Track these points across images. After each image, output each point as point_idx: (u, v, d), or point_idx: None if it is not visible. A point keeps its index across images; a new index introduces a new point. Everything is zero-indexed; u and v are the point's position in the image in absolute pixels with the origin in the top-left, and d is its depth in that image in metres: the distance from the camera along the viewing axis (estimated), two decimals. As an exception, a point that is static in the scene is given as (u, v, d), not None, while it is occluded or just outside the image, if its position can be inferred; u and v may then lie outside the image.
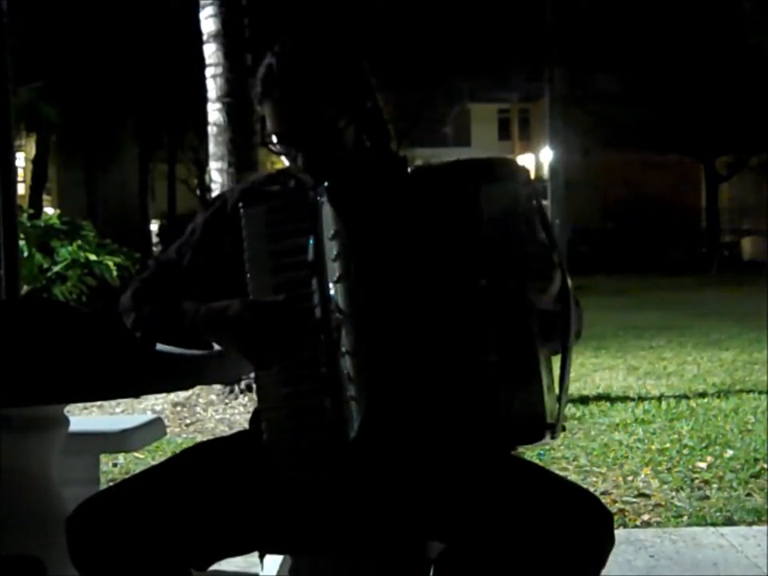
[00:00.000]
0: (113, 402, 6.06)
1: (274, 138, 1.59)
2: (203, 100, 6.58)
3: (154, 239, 28.61)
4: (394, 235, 1.42)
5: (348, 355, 1.41)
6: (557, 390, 1.45)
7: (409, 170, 1.51)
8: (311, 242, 1.44)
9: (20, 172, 24.92)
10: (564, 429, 1.47)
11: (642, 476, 4.13)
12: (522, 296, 1.39)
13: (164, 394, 6.17)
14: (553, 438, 1.43)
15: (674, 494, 3.84)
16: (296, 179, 1.63)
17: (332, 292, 1.42)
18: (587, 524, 1.40)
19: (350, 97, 1.58)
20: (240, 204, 1.50)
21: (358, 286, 1.41)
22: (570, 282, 1.47)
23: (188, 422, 5.72)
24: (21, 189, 23.46)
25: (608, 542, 1.43)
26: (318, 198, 1.44)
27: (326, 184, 1.43)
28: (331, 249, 1.41)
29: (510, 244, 1.39)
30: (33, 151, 25.26)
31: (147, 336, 1.67)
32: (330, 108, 1.55)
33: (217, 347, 1.64)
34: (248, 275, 1.48)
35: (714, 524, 3.42)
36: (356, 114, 1.58)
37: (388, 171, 1.61)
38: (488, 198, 1.40)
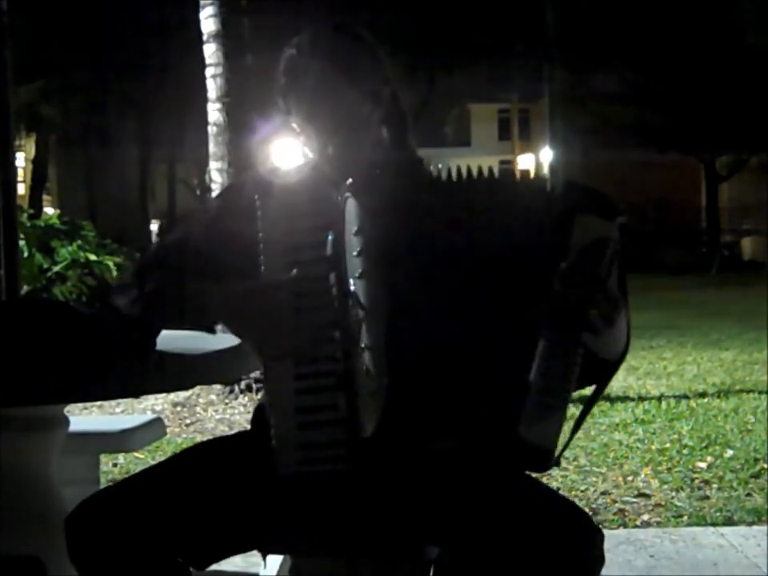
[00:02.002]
0: (113, 402, 6.05)
1: (297, 128, 1.60)
2: (203, 100, 6.58)
3: (154, 239, 28.62)
4: (424, 234, 1.40)
5: (368, 350, 1.39)
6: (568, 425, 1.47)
7: (491, 174, 1.47)
8: (329, 237, 1.42)
9: (20, 172, 24.92)
10: (559, 464, 1.49)
11: (642, 476, 4.13)
12: (580, 335, 1.39)
13: (164, 394, 6.17)
14: (549, 469, 1.47)
15: (674, 493, 3.84)
16: (315, 173, 1.63)
17: (353, 287, 1.40)
18: (575, 541, 1.39)
19: (369, 87, 1.58)
20: (257, 196, 1.48)
21: (380, 283, 1.39)
22: (629, 337, 1.50)
23: (188, 422, 5.72)
24: (21, 189, 23.45)
25: (594, 560, 1.42)
26: (344, 195, 1.41)
27: (349, 181, 1.41)
28: (354, 245, 1.39)
29: (589, 280, 1.38)
30: (33, 151, 25.28)
31: (148, 315, 1.62)
32: (350, 99, 1.56)
33: (217, 347, 1.63)
34: (263, 267, 1.46)
35: (714, 524, 3.42)
36: (377, 100, 1.59)
37: (411, 171, 1.61)
38: (583, 227, 1.38)
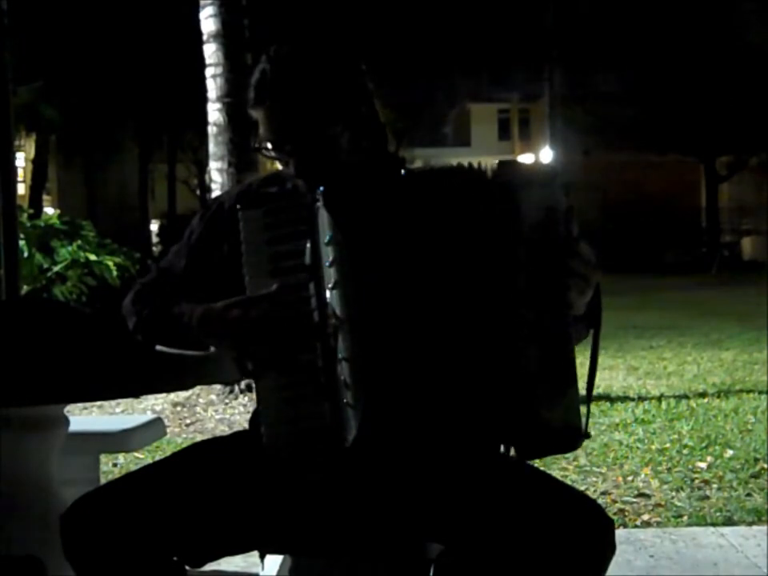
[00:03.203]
0: (113, 402, 6.06)
1: (267, 144, 1.58)
2: (203, 100, 6.59)
3: (154, 239, 28.61)
4: (394, 241, 1.40)
5: (344, 361, 1.39)
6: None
7: (420, 169, 1.46)
8: (308, 245, 1.43)
9: (20, 172, 24.91)
10: (589, 436, 1.46)
11: (642, 476, 4.13)
12: (563, 300, 1.37)
13: (164, 394, 6.17)
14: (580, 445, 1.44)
15: (674, 493, 3.84)
16: (293, 181, 1.63)
17: (328, 297, 1.40)
18: (587, 530, 1.39)
19: (344, 103, 1.56)
20: (238, 206, 1.49)
21: (354, 293, 1.39)
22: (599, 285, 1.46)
23: (188, 421, 5.72)
24: (21, 189, 23.46)
25: (608, 550, 1.41)
26: (316, 203, 1.42)
27: (321, 189, 1.41)
28: (327, 254, 1.40)
29: (553, 247, 1.37)
30: (33, 151, 25.28)
31: (148, 339, 1.67)
32: (324, 115, 1.53)
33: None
34: (246, 278, 1.47)
35: (714, 524, 3.42)
36: (351, 119, 1.57)
37: (385, 175, 1.59)
38: (529, 200, 1.37)
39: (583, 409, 1.43)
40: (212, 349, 1.58)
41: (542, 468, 1.56)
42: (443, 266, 1.39)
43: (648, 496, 3.82)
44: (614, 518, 3.51)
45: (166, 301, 1.63)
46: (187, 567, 1.53)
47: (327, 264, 1.39)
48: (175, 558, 1.50)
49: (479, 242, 1.38)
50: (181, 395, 6.20)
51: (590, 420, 4.54)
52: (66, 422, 2.18)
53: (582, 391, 1.44)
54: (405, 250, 1.40)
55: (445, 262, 1.39)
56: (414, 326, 1.39)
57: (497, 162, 1.43)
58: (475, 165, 1.44)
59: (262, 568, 2.01)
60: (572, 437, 1.41)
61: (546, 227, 1.37)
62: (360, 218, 1.40)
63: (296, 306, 1.44)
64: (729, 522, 3.45)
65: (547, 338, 1.37)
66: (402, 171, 1.56)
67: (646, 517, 3.55)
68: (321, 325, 1.42)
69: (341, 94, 1.56)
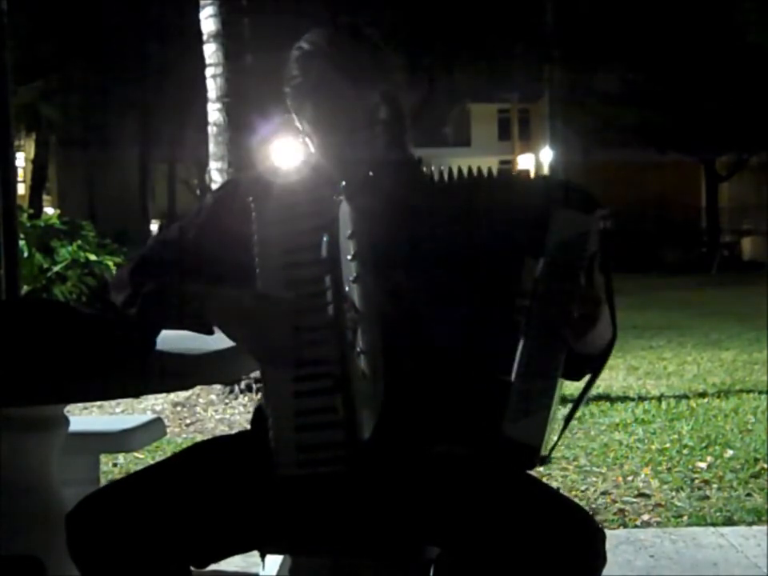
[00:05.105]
0: (113, 402, 6.06)
1: (299, 125, 1.59)
2: (203, 100, 6.58)
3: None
4: (415, 237, 1.40)
5: (363, 355, 1.39)
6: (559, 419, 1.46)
7: (457, 172, 1.47)
8: (325, 238, 1.42)
9: (20, 172, 24.91)
10: (548, 461, 1.48)
11: (642, 476, 4.13)
12: (559, 331, 1.38)
13: (164, 394, 6.17)
14: (541, 466, 1.45)
15: (674, 493, 3.85)
16: (312, 173, 1.62)
17: (348, 291, 1.40)
18: (576, 540, 1.39)
19: (378, 83, 1.58)
20: (250, 198, 1.47)
21: (375, 286, 1.39)
22: (616, 330, 1.47)
23: (188, 422, 5.72)
24: (21, 189, 23.46)
25: (598, 560, 1.41)
26: (335, 197, 1.41)
27: (343, 183, 1.41)
28: (348, 248, 1.39)
29: (569, 276, 1.37)
30: (33, 151, 25.29)
31: (144, 315, 1.61)
32: (364, 93, 1.55)
33: (217, 347, 1.63)
34: (257, 269, 1.45)
35: (714, 524, 3.42)
36: (384, 101, 1.58)
37: (404, 172, 1.59)
38: (560, 222, 1.38)
39: (554, 435, 1.45)
40: (216, 330, 1.56)
41: (540, 469, 1.56)
42: (461, 266, 1.39)
43: (648, 496, 3.82)
44: (614, 518, 3.52)
45: (169, 277, 1.58)
46: (192, 568, 1.53)
47: (349, 258, 1.39)
48: (180, 559, 1.50)
49: (506, 252, 1.39)
50: (181, 395, 6.20)
51: (591, 420, 4.54)
52: (66, 421, 2.18)
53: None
54: (425, 247, 1.40)
55: (464, 262, 1.39)
56: (433, 322, 1.39)
57: (541, 177, 1.45)
58: (506, 173, 1.45)
59: (263, 568, 2.00)
60: (527, 457, 1.43)
61: (567, 251, 1.38)
62: (382, 214, 1.40)
63: (310, 299, 1.43)
64: (729, 522, 3.45)
65: (530, 359, 1.39)
66: (425, 170, 1.57)
67: (646, 517, 3.55)
68: (337, 318, 1.41)
69: (374, 80, 1.57)
